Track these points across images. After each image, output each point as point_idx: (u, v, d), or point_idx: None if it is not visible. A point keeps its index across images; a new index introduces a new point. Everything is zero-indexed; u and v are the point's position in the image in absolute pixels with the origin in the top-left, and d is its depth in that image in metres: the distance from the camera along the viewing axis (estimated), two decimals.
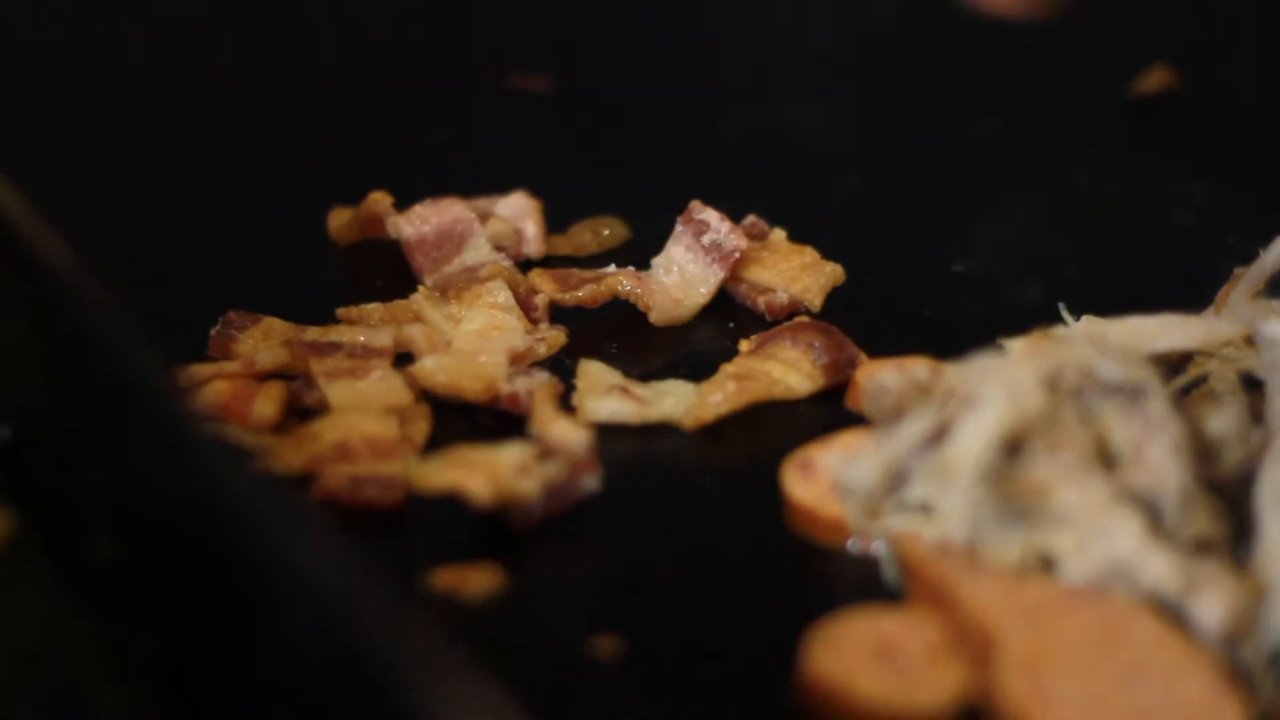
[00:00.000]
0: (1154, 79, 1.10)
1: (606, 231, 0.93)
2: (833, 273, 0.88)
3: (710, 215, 0.87)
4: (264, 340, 0.82)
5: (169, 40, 1.14)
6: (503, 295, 0.85)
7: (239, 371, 0.80)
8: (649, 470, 0.78)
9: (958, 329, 0.83)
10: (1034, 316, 0.82)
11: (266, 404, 0.78)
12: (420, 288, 0.86)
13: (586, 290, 0.86)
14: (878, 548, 0.73)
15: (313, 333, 0.82)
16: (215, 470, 0.64)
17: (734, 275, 0.87)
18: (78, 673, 0.66)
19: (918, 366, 0.80)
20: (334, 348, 0.81)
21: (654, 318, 0.86)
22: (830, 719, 0.66)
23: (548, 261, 0.90)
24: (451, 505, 0.72)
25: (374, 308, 0.85)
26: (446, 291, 0.85)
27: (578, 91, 1.09)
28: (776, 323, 0.86)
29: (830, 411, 0.81)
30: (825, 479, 0.75)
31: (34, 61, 1.10)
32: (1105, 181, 1.00)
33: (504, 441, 0.74)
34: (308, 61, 1.13)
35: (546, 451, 0.75)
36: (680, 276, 0.87)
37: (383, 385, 0.80)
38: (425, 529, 0.74)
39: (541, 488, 0.73)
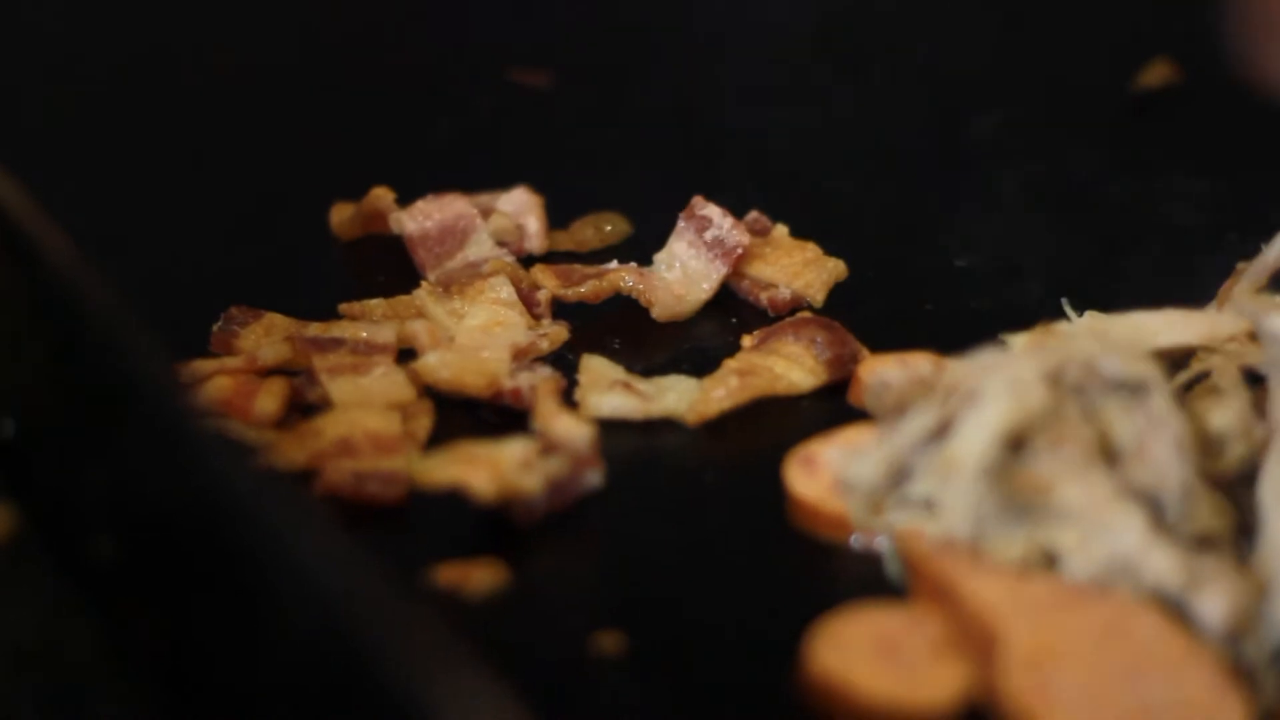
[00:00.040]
0: (1156, 73, 1.10)
1: (609, 227, 0.93)
2: (835, 268, 0.88)
3: (712, 211, 0.87)
4: (266, 336, 0.82)
5: (171, 36, 1.14)
6: (505, 291, 0.85)
7: (241, 367, 0.80)
8: (651, 466, 0.78)
9: (960, 324, 0.83)
10: (1036, 312, 0.82)
11: (269, 400, 0.78)
12: (423, 283, 0.86)
13: (589, 286, 0.85)
14: (880, 543, 0.73)
15: (315, 328, 0.82)
16: (217, 466, 0.64)
17: (736, 271, 0.87)
18: (78, 672, 0.66)
19: (920, 362, 0.80)
20: (336, 343, 0.81)
21: (656, 313, 0.86)
22: (833, 715, 0.65)
23: (550, 257, 0.90)
24: (454, 501, 0.72)
25: (376, 303, 0.85)
26: (449, 287, 0.85)
27: (580, 87, 1.09)
28: (779, 318, 0.86)
29: (833, 407, 0.81)
30: (828, 474, 0.74)
31: (36, 58, 1.10)
32: (1108, 176, 1.00)
33: (506, 437, 0.74)
34: (310, 57, 1.13)
35: (549, 447, 0.75)
36: (682, 272, 0.87)
37: (385, 381, 0.80)
38: (428, 525, 0.74)
39: (544, 483, 0.73)
